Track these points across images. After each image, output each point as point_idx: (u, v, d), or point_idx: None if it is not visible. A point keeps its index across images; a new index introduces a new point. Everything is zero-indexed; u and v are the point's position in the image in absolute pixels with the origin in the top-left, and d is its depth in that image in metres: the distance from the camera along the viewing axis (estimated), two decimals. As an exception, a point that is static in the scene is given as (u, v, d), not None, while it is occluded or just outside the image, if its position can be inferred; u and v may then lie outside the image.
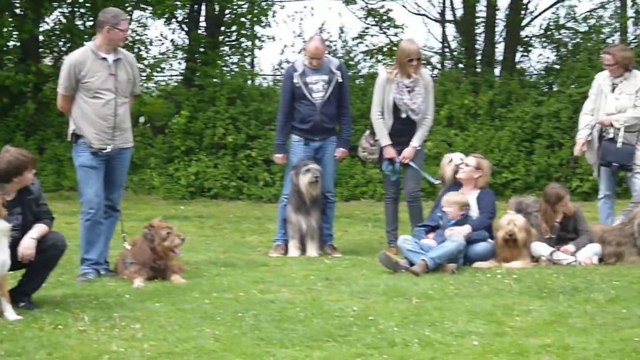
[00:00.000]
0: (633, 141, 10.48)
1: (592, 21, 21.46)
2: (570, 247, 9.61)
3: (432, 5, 22.76)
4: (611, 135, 10.49)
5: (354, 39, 21.83)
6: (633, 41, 20.27)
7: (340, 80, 10.58)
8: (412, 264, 9.02)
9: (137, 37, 21.91)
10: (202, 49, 20.94)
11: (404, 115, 10.53)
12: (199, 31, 21.42)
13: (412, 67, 10.46)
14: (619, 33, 20.73)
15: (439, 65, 22.45)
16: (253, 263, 9.84)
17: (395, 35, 22.00)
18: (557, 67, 20.51)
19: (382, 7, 22.19)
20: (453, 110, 18.74)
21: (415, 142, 10.57)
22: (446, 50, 22.49)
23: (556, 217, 9.80)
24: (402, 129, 10.60)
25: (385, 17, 22.13)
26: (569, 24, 21.86)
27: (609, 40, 20.59)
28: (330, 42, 21.10)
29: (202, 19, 21.65)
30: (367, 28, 22.15)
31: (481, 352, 5.82)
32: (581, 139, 10.81)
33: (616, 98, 10.58)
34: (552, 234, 9.77)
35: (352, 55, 21.44)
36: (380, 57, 21.79)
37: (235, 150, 18.62)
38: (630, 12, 21.21)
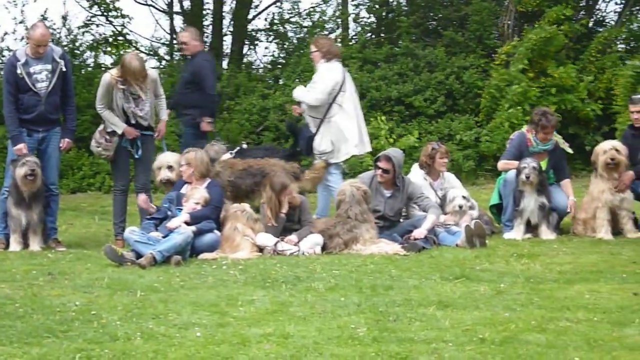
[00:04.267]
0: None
1: (316, 16, 22.10)
2: (293, 237, 9.82)
3: (160, -4, 22.69)
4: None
5: (79, 27, 21.35)
6: (354, 37, 21.06)
7: (64, 69, 10.33)
8: (140, 257, 8.97)
9: None
10: None
11: (133, 122, 10.49)
12: None
13: (138, 84, 10.38)
14: (340, 29, 21.48)
15: (167, 57, 22.36)
16: (-30, 259, 9.43)
17: (123, 25, 21.75)
18: (283, 61, 20.96)
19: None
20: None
21: (164, 114, 10.94)
22: (174, 41, 22.42)
23: (282, 207, 10.02)
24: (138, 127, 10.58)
25: (111, 7, 21.77)
26: (294, 19, 22.43)
27: (332, 36, 21.33)
28: (54, 30, 20.47)
29: None
30: (92, 17, 21.71)
31: (204, 343, 5.87)
32: None
33: None
34: (276, 223, 9.98)
35: (77, 44, 20.90)
36: (107, 47, 21.43)
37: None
38: (351, 9, 22.04)
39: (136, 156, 10.64)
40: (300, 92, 11.54)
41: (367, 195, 9.98)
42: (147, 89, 10.48)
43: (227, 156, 11.03)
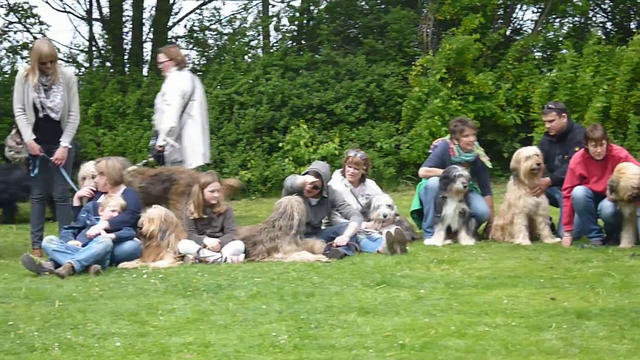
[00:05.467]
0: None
1: (237, 24, 22.05)
2: (215, 244, 9.81)
3: (78, 2, 22.39)
4: None
5: (-5, 35, 20.98)
6: (275, 44, 21.06)
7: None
8: (58, 266, 8.84)
9: None
10: None
11: (42, 115, 10.28)
12: None
13: (47, 69, 10.22)
14: (261, 36, 21.47)
15: (86, 64, 22.10)
16: None
17: (41, 32, 21.43)
18: (204, 68, 20.87)
19: (27, 2, 21.50)
20: (101, 109, 18.57)
21: (65, 141, 10.37)
22: (93, 48, 22.17)
23: (206, 202, 10.01)
24: (46, 127, 10.34)
25: (29, 14, 21.43)
26: (214, 26, 22.36)
27: (253, 43, 21.33)
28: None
29: None
30: (9, 24, 21.35)
31: (123, 353, 5.82)
32: None
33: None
34: (199, 215, 9.96)
35: (-7, 51, 20.59)
36: (24, 54, 21.07)
37: None
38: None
39: (31, 174, 10.44)
40: (165, 127, 11.45)
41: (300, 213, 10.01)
42: (59, 81, 10.32)
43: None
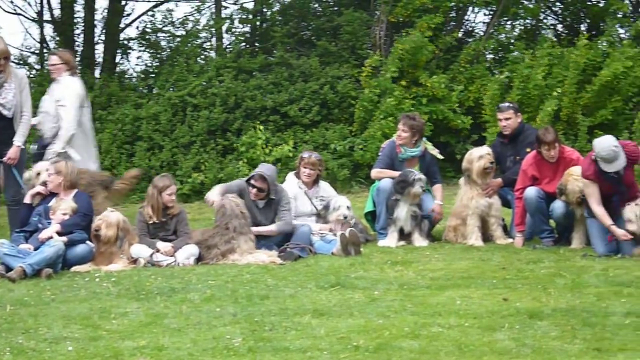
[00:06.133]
0: None
1: (189, 25, 21.98)
2: (169, 248, 9.76)
3: (29, 4, 22.20)
4: None
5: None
6: (228, 46, 21.01)
7: None
8: (9, 270, 8.74)
9: None
10: None
11: None
12: None
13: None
14: (214, 38, 21.40)
15: (37, 66, 21.90)
16: None
17: (-10, 33, 21.17)
18: (156, 70, 20.76)
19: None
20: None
21: (18, 140, 10.31)
22: (45, 50, 21.98)
23: (162, 205, 9.95)
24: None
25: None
26: (167, 28, 22.26)
27: (206, 45, 21.26)
28: None
29: None
30: (-41, 25, 21.14)
31: (76, 357, 5.78)
32: None
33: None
34: (157, 219, 9.91)
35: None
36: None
37: None
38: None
39: None
40: (65, 134, 11.26)
41: (244, 210, 10.00)
42: (11, 79, 10.21)
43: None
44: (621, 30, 19.27)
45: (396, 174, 10.91)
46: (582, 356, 5.66)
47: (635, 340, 5.95)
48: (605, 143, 9.62)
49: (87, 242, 9.59)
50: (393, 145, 11.26)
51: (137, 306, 7.37)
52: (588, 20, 21.31)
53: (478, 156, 10.88)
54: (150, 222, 9.92)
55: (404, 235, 10.82)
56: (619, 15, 19.54)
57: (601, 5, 20.71)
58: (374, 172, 11.32)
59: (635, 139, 16.50)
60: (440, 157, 11.61)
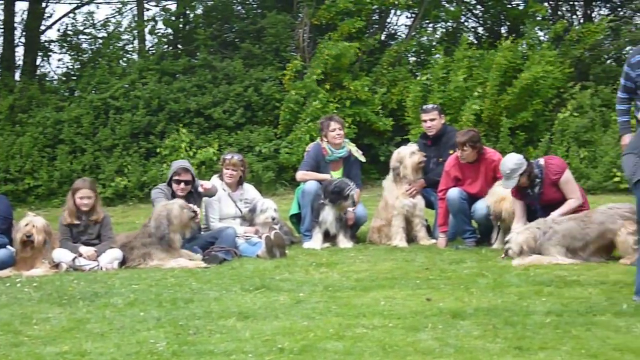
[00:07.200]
0: None
1: (111, 27, 21.75)
2: (91, 252, 9.65)
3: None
4: None
5: None
6: (151, 49, 20.87)
7: None
8: None
9: None
10: None
11: None
12: None
13: None
14: (137, 40, 21.23)
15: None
16: None
17: None
18: (78, 73, 20.51)
19: None
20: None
21: None
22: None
23: (77, 208, 9.86)
24: None
25: None
26: (88, 30, 22.00)
27: (129, 47, 21.08)
28: None
29: None
30: None
31: (-3, 364, 5.70)
32: None
33: None
34: (74, 222, 9.79)
35: None
36: None
37: None
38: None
39: None
40: None
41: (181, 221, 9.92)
42: None
43: None
44: (540, 33, 19.59)
45: (322, 176, 10.97)
46: (504, 355, 5.74)
47: (555, 339, 6.05)
48: (506, 161, 9.77)
49: (8, 246, 9.44)
50: (319, 147, 11.29)
51: (59, 311, 7.27)
52: (508, 23, 21.63)
53: (410, 152, 10.99)
54: (65, 223, 9.80)
55: (329, 237, 10.86)
56: (538, 18, 19.87)
57: (521, 8, 21.05)
58: (299, 175, 11.33)
59: (555, 140, 16.83)
60: (363, 159, 11.67)
